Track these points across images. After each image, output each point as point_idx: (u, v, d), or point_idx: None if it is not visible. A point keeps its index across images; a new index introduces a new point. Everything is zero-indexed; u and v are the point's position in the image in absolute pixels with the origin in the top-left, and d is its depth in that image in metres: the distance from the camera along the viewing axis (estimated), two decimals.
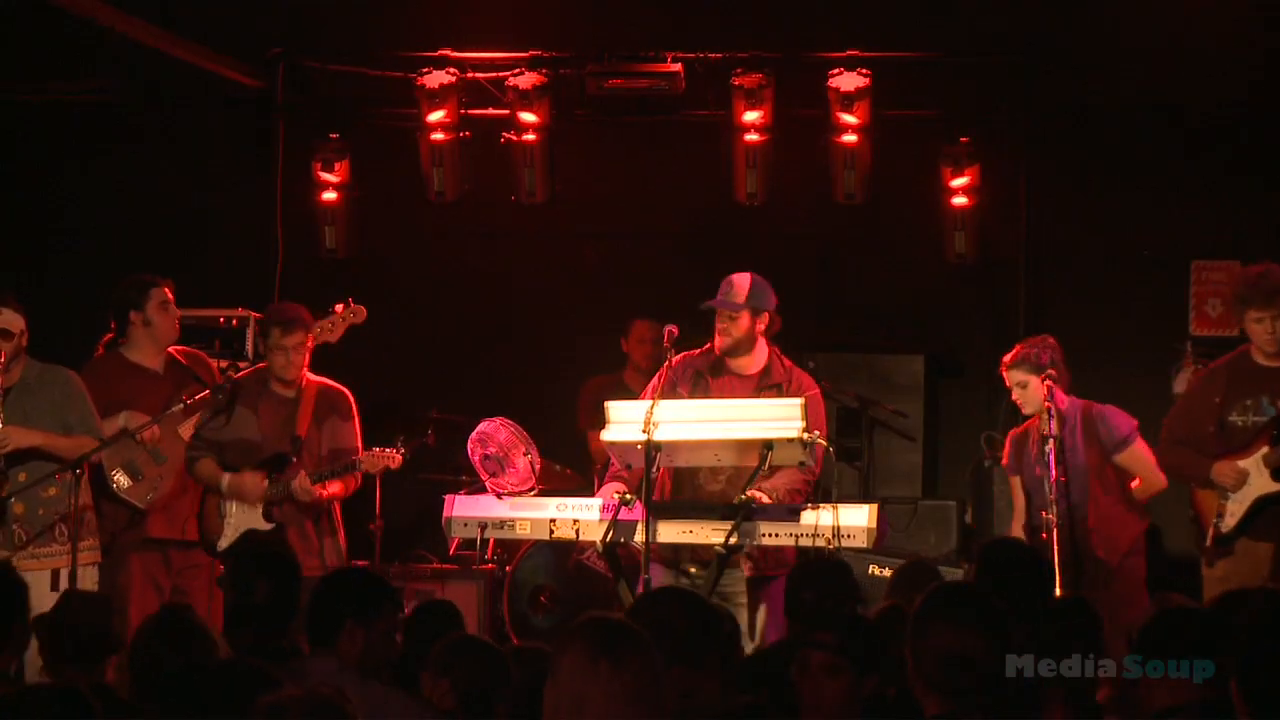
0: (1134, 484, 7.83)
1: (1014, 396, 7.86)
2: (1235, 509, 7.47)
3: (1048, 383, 7.69)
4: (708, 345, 7.36)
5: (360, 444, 7.92)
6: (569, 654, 3.78)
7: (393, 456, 7.78)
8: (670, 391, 7.13)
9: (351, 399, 8.02)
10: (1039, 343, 7.87)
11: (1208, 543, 7.59)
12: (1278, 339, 7.45)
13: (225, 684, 4.18)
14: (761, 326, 7.31)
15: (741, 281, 7.29)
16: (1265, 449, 7.41)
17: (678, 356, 7.35)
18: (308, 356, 7.94)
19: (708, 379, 7.31)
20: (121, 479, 7.74)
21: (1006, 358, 7.84)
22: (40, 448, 7.37)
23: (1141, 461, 7.80)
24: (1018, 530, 8.00)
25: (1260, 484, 7.41)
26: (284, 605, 5.49)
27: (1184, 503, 7.83)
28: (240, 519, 7.83)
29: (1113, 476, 7.80)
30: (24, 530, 7.38)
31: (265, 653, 4.98)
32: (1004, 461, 8.19)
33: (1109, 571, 7.67)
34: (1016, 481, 8.02)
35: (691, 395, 7.23)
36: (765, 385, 7.31)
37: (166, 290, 7.92)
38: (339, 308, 8.21)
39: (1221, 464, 7.49)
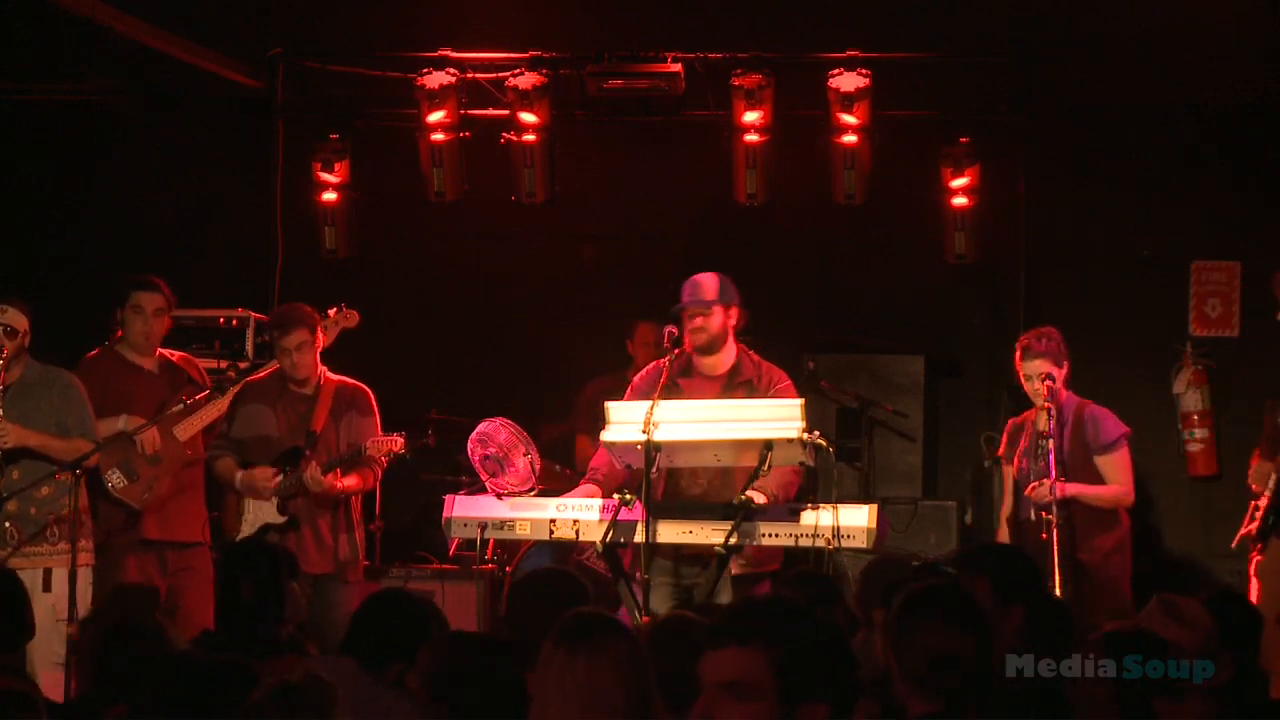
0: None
1: (1031, 386, 7.78)
2: (1259, 513, 7.55)
3: (1049, 382, 7.69)
4: (676, 350, 7.36)
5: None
6: (542, 649, 3.79)
7: (394, 440, 7.85)
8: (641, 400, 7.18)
9: (371, 396, 8.11)
10: (1052, 334, 7.85)
11: (1233, 544, 7.66)
12: None
13: (200, 680, 4.15)
14: (732, 322, 7.40)
15: (708, 280, 7.40)
16: None
17: (647, 366, 7.49)
18: (318, 353, 8.00)
19: (678, 383, 7.32)
20: (117, 479, 7.75)
21: (1036, 344, 7.77)
22: (36, 448, 7.37)
23: (1117, 470, 7.83)
24: (1003, 521, 8.00)
25: (1274, 486, 7.45)
26: (269, 600, 5.53)
27: (1183, 502, 7.81)
28: (258, 515, 7.95)
29: (1095, 475, 7.80)
30: (16, 528, 7.37)
31: (253, 648, 5.01)
32: (1000, 450, 8.18)
33: (1089, 568, 7.67)
34: (1009, 471, 8.01)
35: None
36: (735, 384, 7.39)
37: (146, 295, 7.87)
38: (332, 312, 8.23)
39: (1263, 464, 7.57)
